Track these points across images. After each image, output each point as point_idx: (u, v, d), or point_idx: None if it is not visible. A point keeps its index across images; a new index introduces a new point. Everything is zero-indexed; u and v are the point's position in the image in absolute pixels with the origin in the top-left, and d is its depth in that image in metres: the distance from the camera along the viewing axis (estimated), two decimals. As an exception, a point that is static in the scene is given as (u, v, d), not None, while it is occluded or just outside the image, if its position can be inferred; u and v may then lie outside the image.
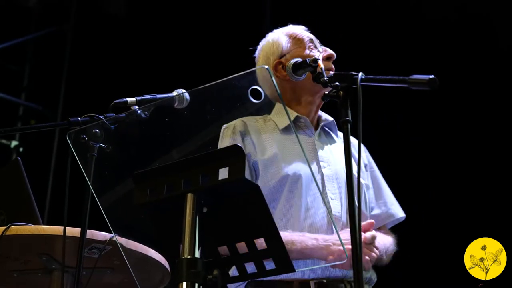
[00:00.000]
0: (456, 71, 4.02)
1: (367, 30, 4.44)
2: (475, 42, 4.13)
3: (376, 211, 2.55)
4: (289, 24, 2.66)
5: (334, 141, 2.59)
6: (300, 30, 2.61)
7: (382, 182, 2.62)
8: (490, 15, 4.13)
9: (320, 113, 2.63)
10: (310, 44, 2.55)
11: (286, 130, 2.49)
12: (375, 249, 2.29)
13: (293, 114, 2.51)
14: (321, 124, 2.57)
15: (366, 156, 2.65)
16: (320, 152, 2.47)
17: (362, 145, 2.55)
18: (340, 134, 2.65)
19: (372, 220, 2.36)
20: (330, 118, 2.61)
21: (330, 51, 2.54)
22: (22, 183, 2.23)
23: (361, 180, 2.35)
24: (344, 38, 4.36)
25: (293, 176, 2.35)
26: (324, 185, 2.38)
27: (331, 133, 2.61)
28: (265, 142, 2.45)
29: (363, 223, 2.29)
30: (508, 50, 4.00)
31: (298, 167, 2.37)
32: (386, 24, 4.41)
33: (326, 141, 2.56)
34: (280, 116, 2.52)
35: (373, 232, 2.32)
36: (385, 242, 2.44)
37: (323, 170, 2.42)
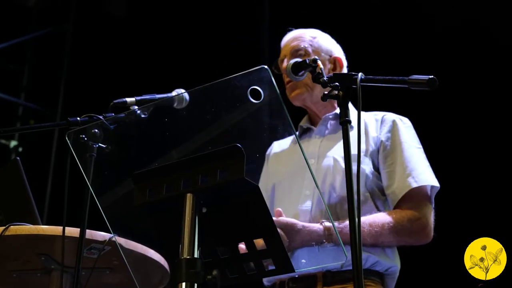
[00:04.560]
0: (456, 71, 4.01)
1: (367, 30, 4.44)
2: (475, 42, 4.13)
3: (387, 191, 2.48)
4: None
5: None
6: None
7: (399, 158, 2.50)
8: (489, 15, 4.13)
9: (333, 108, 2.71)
10: None
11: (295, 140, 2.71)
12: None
13: (304, 123, 2.75)
14: (321, 119, 2.66)
15: (385, 132, 2.56)
16: (311, 150, 2.59)
17: (393, 120, 2.58)
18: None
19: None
20: (333, 112, 2.68)
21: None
22: (21, 183, 2.23)
23: (363, 166, 2.45)
24: (344, 38, 4.36)
25: (277, 184, 2.61)
26: (303, 183, 2.50)
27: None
28: (273, 159, 2.75)
29: None
30: (508, 50, 4.00)
31: (282, 175, 2.61)
32: (386, 24, 4.41)
33: (330, 133, 2.63)
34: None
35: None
36: (371, 222, 2.35)
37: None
